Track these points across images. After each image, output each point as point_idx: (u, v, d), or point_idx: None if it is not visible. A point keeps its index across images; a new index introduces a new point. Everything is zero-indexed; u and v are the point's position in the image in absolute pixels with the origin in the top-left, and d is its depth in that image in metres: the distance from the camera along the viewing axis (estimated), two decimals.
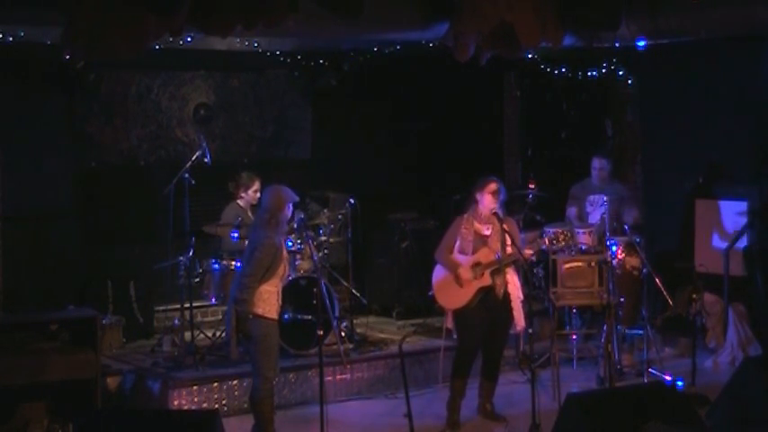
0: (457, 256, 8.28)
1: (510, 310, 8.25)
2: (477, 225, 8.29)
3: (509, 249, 8.18)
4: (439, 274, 8.40)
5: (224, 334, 9.59)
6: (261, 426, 7.67)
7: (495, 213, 8.17)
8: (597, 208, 10.20)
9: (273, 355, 7.61)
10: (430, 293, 8.57)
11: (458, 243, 8.29)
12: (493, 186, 8.24)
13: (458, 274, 8.19)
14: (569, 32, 9.57)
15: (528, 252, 8.35)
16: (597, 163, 10.38)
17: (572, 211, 10.46)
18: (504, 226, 8.17)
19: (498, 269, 8.20)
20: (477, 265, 8.20)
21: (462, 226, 8.31)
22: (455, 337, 8.46)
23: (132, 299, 10.24)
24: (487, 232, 8.28)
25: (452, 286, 8.27)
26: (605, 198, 9.75)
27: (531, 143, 12.40)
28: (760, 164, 10.55)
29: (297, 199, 7.77)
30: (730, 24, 9.49)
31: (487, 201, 8.23)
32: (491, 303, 8.22)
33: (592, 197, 10.32)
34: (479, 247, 8.24)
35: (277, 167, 10.81)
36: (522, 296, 8.34)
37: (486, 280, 8.20)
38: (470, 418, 8.39)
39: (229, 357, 9.02)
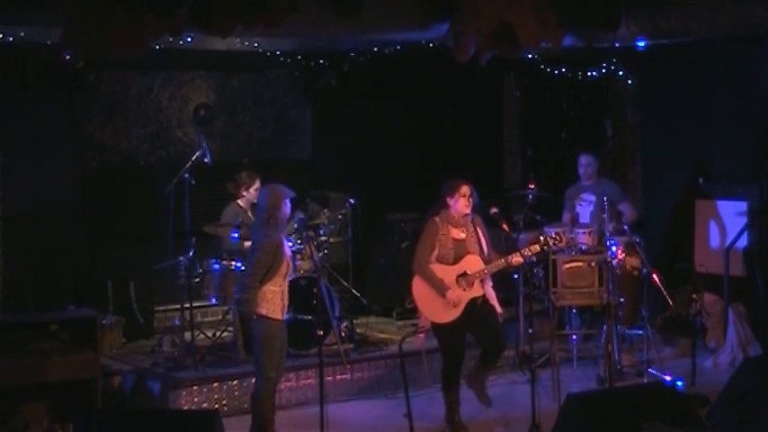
0: (437, 266, 8.01)
1: (489, 306, 8.08)
2: (452, 230, 8.06)
3: (485, 247, 8.04)
4: (421, 285, 8.09)
5: (224, 334, 9.64)
6: (261, 426, 7.66)
7: (494, 214, 8.05)
8: (586, 206, 10.22)
9: (277, 356, 7.56)
10: (408, 304, 8.38)
11: (436, 251, 8.03)
12: (465, 189, 8.02)
13: (446, 296, 7.91)
14: (569, 32, 9.58)
15: (517, 260, 8.02)
16: (584, 159, 10.39)
17: (565, 213, 10.48)
18: (477, 227, 8.07)
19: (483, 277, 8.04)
20: (462, 275, 7.98)
21: (440, 232, 8.05)
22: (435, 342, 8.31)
23: (132, 299, 10.24)
24: (463, 236, 8.06)
25: (439, 300, 7.99)
26: (593, 197, 9.76)
27: (531, 143, 12.41)
28: (760, 164, 10.56)
29: (293, 195, 7.73)
30: (730, 24, 9.49)
31: (461, 205, 8.00)
32: (472, 307, 8.03)
33: (582, 196, 10.34)
34: (460, 254, 8.01)
35: (277, 167, 10.79)
36: (492, 292, 8.17)
37: (478, 290, 8.00)
38: (470, 419, 8.36)
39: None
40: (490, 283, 8.21)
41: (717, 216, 10.88)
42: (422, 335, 8.42)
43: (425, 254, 8.07)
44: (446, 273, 8.01)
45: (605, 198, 9.49)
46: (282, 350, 7.70)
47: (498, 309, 8.18)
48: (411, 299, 8.26)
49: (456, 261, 8.02)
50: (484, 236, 8.12)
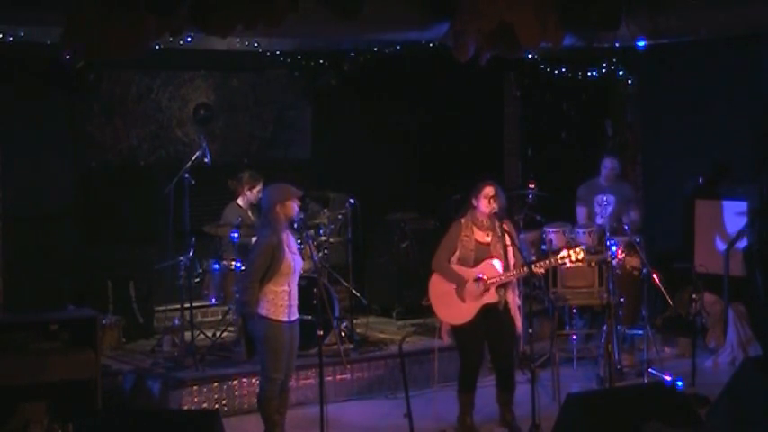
0: (456, 267, 7.94)
1: (510, 316, 7.98)
2: (476, 232, 7.97)
3: (510, 252, 7.94)
4: (437, 284, 8.04)
5: (224, 334, 9.64)
6: (266, 427, 7.65)
7: (494, 213, 7.88)
8: (606, 207, 10.18)
9: (280, 357, 7.50)
10: (425, 302, 8.30)
11: (457, 252, 7.97)
12: (489, 191, 7.90)
13: (464, 288, 7.84)
14: (569, 32, 9.58)
15: (539, 271, 7.98)
16: (609, 163, 10.36)
17: (581, 211, 10.43)
18: (504, 226, 7.91)
19: (504, 284, 7.92)
20: (478, 280, 7.88)
21: (462, 233, 7.95)
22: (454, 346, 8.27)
23: (132, 299, 10.23)
24: (488, 239, 7.94)
25: (453, 300, 7.94)
26: (612, 198, 9.75)
27: (531, 143, 12.40)
28: (760, 164, 10.56)
29: (300, 194, 7.69)
30: (730, 24, 9.50)
31: (483, 206, 7.90)
32: (492, 313, 7.94)
33: (599, 197, 10.30)
34: (482, 257, 7.90)
35: (277, 167, 10.80)
36: (519, 301, 8.14)
37: (492, 296, 7.87)
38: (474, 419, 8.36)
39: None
40: (516, 292, 8.10)
41: (717, 216, 10.88)
42: (444, 336, 8.36)
43: (446, 253, 8.00)
44: (464, 274, 7.95)
45: (613, 199, 9.50)
46: (291, 351, 7.62)
47: (518, 322, 8.07)
48: (427, 298, 8.20)
49: (476, 264, 7.92)
50: (513, 241, 7.94)
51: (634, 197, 10.53)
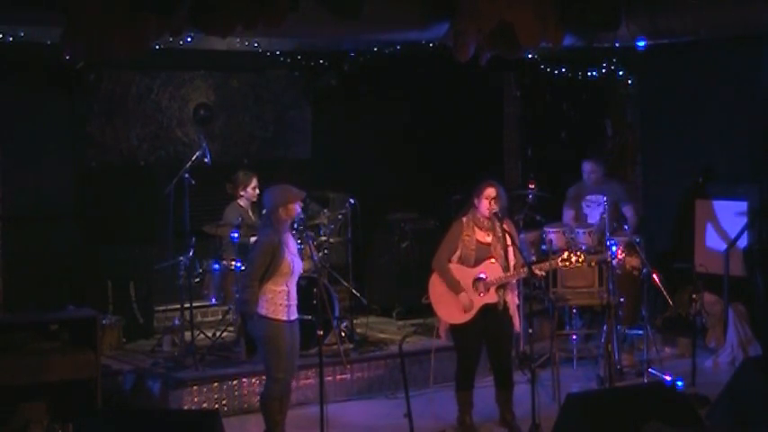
0: (456, 267, 7.97)
1: (509, 315, 8.00)
2: (477, 232, 7.98)
3: (510, 252, 7.95)
4: (437, 283, 8.05)
5: (224, 334, 9.64)
6: (267, 427, 7.66)
7: (494, 213, 7.89)
8: (595, 208, 10.19)
9: (283, 356, 7.51)
10: (425, 300, 8.31)
11: (458, 251, 7.98)
12: (490, 192, 7.91)
13: (459, 298, 7.88)
14: (569, 32, 9.58)
15: (539, 273, 8.00)
16: (588, 166, 10.34)
17: (568, 213, 10.44)
18: (504, 226, 7.92)
19: (504, 284, 7.93)
20: (479, 279, 7.90)
21: (464, 233, 7.97)
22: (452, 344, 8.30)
23: (132, 299, 10.23)
24: (489, 239, 7.96)
25: (453, 300, 7.94)
26: (604, 198, 9.75)
27: (531, 143, 12.41)
28: (760, 164, 10.56)
29: (303, 195, 7.70)
30: (730, 24, 9.50)
31: (483, 207, 7.92)
32: (491, 313, 7.95)
33: (589, 197, 10.31)
34: (483, 257, 7.91)
35: (277, 167, 10.80)
36: (518, 301, 8.16)
37: (492, 297, 7.89)
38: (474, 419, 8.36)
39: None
40: (515, 292, 8.14)
41: (717, 216, 10.88)
42: (442, 334, 8.38)
43: (447, 253, 8.01)
44: (464, 274, 7.95)
45: (605, 199, 9.49)
46: (292, 351, 7.63)
47: (516, 323, 8.10)
48: (427, 296, 8.21)
49: (477, 264, 7.93)
50: (513, 242, 7.96)
51: (625, 195, 10.48)
